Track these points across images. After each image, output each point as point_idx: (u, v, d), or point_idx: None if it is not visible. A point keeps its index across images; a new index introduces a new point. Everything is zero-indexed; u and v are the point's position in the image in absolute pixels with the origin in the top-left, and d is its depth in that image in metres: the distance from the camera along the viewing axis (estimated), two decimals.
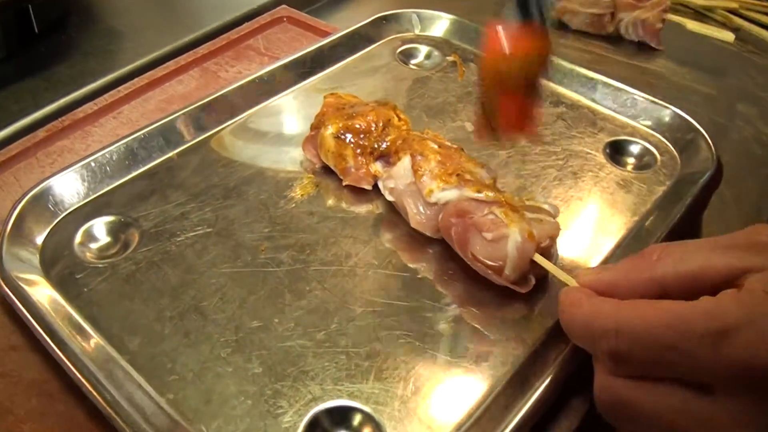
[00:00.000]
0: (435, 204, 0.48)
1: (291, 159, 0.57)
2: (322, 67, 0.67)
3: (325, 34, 0.73)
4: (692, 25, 0.79)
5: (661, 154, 0.58)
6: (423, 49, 0.70)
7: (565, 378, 0.41)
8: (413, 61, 0.70)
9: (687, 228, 0.52)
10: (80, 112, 0.64)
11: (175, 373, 0.41)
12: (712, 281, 0.34)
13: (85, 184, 0.53)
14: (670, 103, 0.60)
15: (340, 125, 0.53)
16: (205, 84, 0.69)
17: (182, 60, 0.71)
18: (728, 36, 0.78)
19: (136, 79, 0.68)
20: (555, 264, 0.44)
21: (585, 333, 0.36)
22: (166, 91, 0.68)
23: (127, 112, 0.65)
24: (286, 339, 0.43)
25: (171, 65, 0.70)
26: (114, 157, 0.55)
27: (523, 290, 0.45)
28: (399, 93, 0.64)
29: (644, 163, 0.58)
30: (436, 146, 0.50)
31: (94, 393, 0.39)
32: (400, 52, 0.70)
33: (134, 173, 0.55)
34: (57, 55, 0.72)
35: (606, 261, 0.48)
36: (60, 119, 0.63)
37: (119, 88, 0.67)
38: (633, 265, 0.37)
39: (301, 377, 0.41)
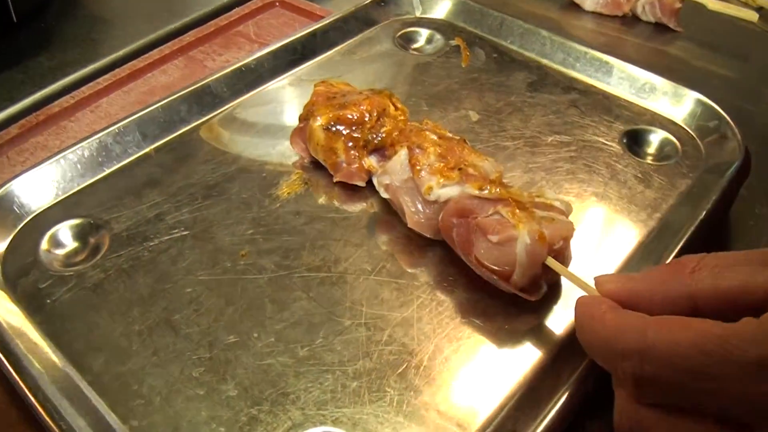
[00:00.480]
0: (434, 202, 0.45)
1: (278, 153, 0.53)
2: (315, 54, 0.63)
3: (320, 18, 0.68)
4: (713, 4, 0.76)
5: (682, 144, 0.54)
6: (424, 33, 0.67)
7: (580, 399, 0.37)
8: (413, 46, 0.66)
9: (714, 225, 0.48)
10: (56, 106, 0.60)
11: (141, 397, 0.37)
12: (754, 301, 0.30)
13: (54, 184, 0.50)
14: (692, 88, 0.57)
15: (331, 116, 0.49)
16: (191, 74, 0.65)
17: (166, 49, 0.67)
18: (751, 15, 0.75)
19: (116, 70, 0.64)
20: (569, 268, 0.40)
21: (606, 351, 0.33)
22: (148, 81, 0.64)
23: (106, 106, 0.61)
24: (266, 356, 0.39)
25: (154, 54, 0.66)
26: (86, 154, 0.51)
27: (534, 298, 0.41)
28: (397, 80, 0.61)
29: (665, 153, 0.54)
30: (435, 137, 0.47)
31: (51, 423, 0.36)
32: (400, 36, 0.67)
33: (107, 171, 0.51)
34: (36, 46, 0.69)
35: (626, 264, 0.45)
36: (34, 114, 0.60)
37: (98, 79, 0.63)
38: (663, 276, 0.33)
39: (280, 400, 0.37)
